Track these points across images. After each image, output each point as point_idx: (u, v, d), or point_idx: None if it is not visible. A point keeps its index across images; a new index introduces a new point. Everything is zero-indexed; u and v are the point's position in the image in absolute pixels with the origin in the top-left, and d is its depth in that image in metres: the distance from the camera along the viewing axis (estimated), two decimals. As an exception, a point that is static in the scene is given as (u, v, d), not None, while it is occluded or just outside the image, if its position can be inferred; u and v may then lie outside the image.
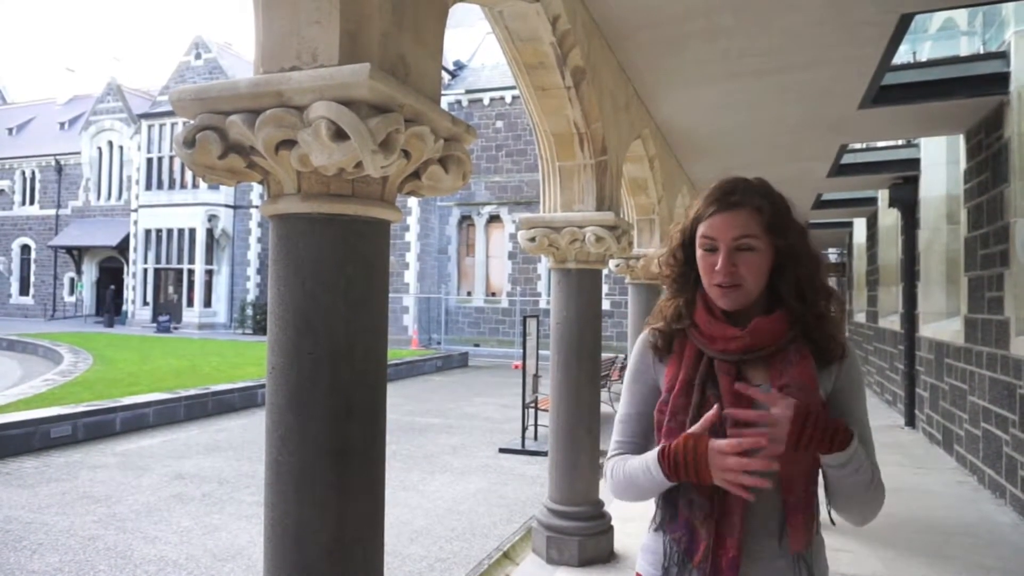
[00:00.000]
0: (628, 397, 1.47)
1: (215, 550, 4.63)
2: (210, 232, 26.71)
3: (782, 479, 1.25)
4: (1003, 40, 5.40)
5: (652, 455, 1.31)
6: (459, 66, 24.69)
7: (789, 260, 1.33)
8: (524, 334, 8.22)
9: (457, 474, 6.78)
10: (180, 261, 26.81)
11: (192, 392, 9.84)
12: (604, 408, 4.03)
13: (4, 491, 5.90)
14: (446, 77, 23.75)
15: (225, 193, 26.63)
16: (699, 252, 1.36)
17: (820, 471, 1.28)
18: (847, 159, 7.94)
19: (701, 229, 1.35)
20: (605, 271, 4.52)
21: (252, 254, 27.05)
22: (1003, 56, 5.32)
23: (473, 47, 25.14)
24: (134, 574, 4.23)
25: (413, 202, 21.97)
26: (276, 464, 1.65)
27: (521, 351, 8.33)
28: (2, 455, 6.97)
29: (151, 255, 27.23)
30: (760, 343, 1.30)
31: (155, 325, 25.38)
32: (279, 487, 1.65)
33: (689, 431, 1.26)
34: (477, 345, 22.14)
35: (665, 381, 1.40)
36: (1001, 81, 5.30)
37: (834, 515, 1.33)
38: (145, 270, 27.37)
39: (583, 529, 3.95)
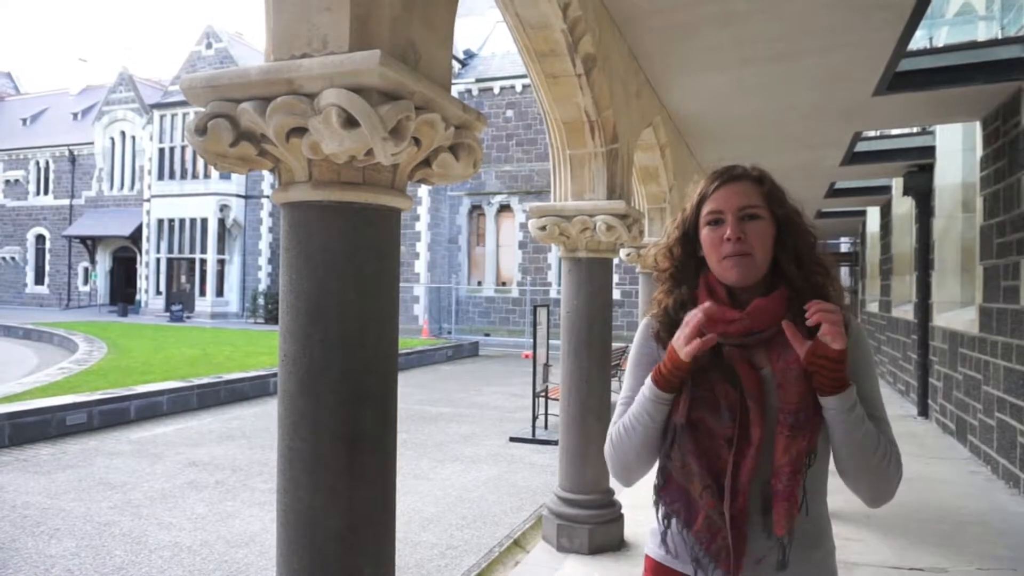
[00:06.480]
0: (632, 381, 1.47)
1: (229, 536, 4.68)
2: (222, 222, 26.85)
3: (772, 467, 1.27)
4: (1021, 25, 5.32)
5: (645, 385, 1.36)
6: (469, 55, 24.59)
7: (788, 231, 1.38)
8: (534, 323, 8.22)
9: (468, 462, 6.82)
10: (192, 251, 26.99)
11: (205, 381, 9.92)
12: (614, 397, 4.03)
13: (21, 477, 5.99)
14: (456, 66, 23.66)
15: (237, 183, 26.75)
16: (705, 231, 1.39)
17: (806, 468, 1.27)
18: (861, 147, 7.85)
19: (706, 207, 1.40)
20: (616, 260, 4.51)
21: (264, 244, 27.18)
22: (1021, 41, 5.23)
23: (483, 36, 25.01)
24: (149, 559, 4.29)
25: (423, 192, 21.96)
26: (288, 451, 1.66)
27: (531, 340, 8.33)
28: (19, 442, 7.08)
29: (164, 245, 27.45)
30: (759, 325, 1.31)
31: (168, 314, 25.61)
32: (291, 474, 1.66)
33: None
34: (487, 335, 22.17)
35: None
36: (1019, 67, 5.20)
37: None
38: (158, 260, 27.59)
39: (593, 517, 3.96)
